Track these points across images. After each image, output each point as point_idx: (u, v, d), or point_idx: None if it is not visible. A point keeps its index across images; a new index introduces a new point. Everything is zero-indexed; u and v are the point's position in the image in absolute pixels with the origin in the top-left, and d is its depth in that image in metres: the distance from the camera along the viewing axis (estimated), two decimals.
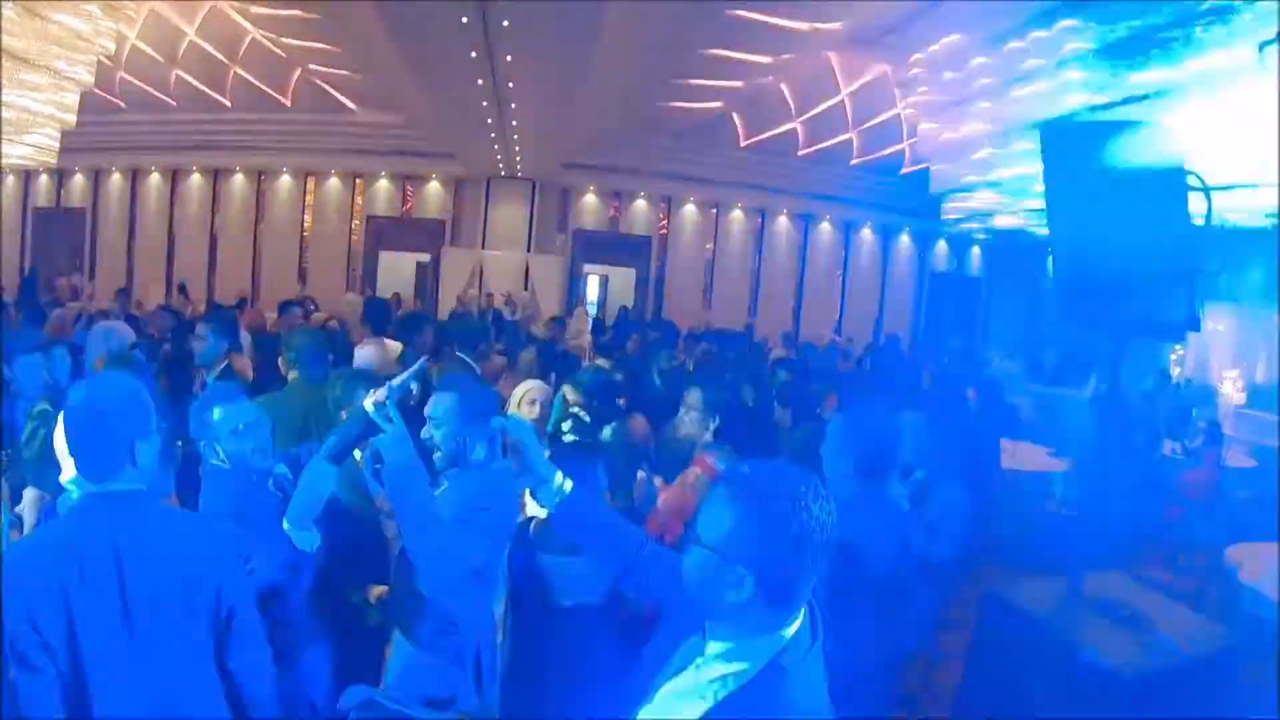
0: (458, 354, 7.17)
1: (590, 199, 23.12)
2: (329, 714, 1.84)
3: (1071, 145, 3.69)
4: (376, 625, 3.79)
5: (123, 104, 20.04)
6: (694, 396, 4.88)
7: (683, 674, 1.96)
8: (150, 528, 2.45)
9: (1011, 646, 3.87)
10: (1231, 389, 17.19)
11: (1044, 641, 3.65)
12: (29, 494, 4.58)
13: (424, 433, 3.34)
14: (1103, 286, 3.59)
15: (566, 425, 4.66)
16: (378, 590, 3.97)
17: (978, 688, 4.13)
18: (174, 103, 20.29)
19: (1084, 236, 3.53)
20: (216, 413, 3.49)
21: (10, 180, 23.44)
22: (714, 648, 1.92)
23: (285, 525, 3.13)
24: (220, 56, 18.41)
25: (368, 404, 3.16)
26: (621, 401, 5.58)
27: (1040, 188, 12.13)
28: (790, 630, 1.88)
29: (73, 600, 2.34)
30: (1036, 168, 12.26)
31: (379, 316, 8.78)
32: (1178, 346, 18.39)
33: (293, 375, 5.48)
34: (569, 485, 2.49)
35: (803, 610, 1.92)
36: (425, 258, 22.85)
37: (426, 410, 3.42)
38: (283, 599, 3.23)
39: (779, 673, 1.84)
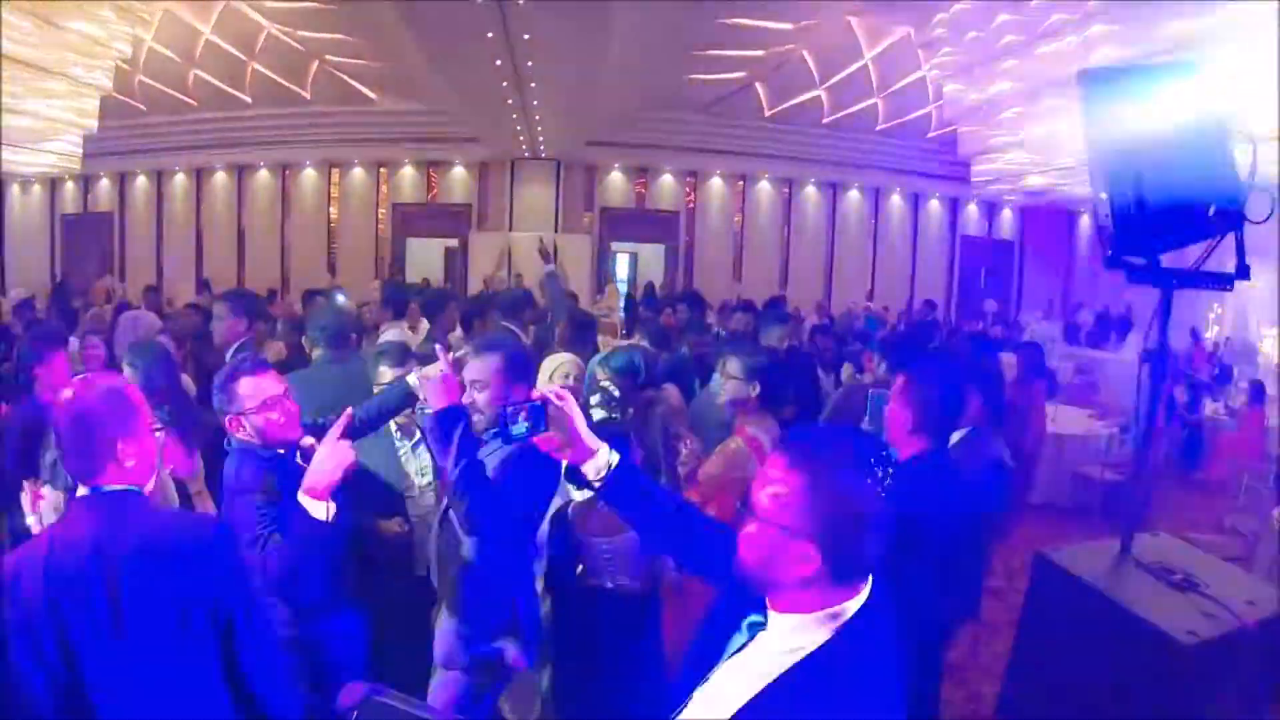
0: (503, 323, 7.23)
1: (616, 176, 22.97)
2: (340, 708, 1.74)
3: (1112, 92, 3.53)
4: (388, 562, 3.75)
5: (143, 107, 20.01)
6: (732, 364, 4.74)
7: (742, 652, 1.85)
8: (136, 530, 2.36)
9: (1064, 612, 3.76)
10: (1272, 347, 16.95)
11: (1097, 607, 3.53)
12: (47, 493, 4.52)
13: (465, 397, 3.28)
14: (1148, 238, 3.47)
15: (595, 399, 4.56)
16: (391, 524, 3.92)
17: (1030, 656, 4.01)
18: (194, 102, 20.20)
19: (1127, 187, 3.39)
20: (244, 385, 3.41)
21: (37, 189, 23.70)
22: (775, 624, 1.80)
23: (300, 495, 3.05)
24: (237, 53, 18.29)
25: (412, 378, 3.13)
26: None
27: (1072, 145, 11.96)
28: (856, 603, 1.76)
29: (62, 606, 2.28)
30: (1067, 125, 12.08)
31: (398, 298, 8.78)
32: (1216, 305, 18.18)
33: (317, 353, 5.55)
34: (615, 459, 2.39)
35: (869, 580, 1.79)
36: (453, 243, 22.86)
37: (466, 374, 3.35)
38: (306, 578, 3.15)
39: (844, 648, 1.71)
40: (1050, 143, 14.59)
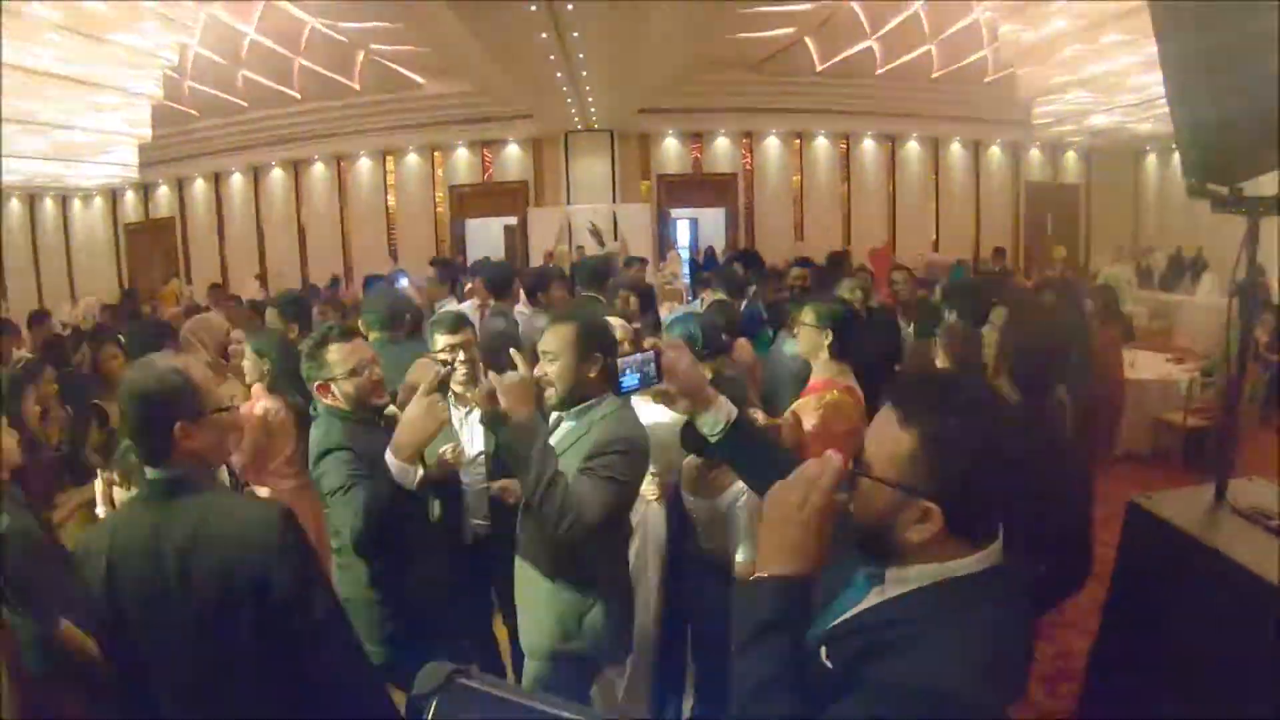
0: (584, 292, 7.43)
1: (671, 143, 22.81)
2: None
3: (1189, 16, 3.32)
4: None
5: (195, 111, 20.33)
6: (807, 313, 4.60)
7: (856, 607, 1.73)
8: (192, 517, 2.34)
9: (1159, 560, 3.60)
10: None
11: (1193, 553, 3.38)
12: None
13: (537, 369, 3.23)
14: (1230, 164, 3.28)
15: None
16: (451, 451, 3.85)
17: (1125, 605, 3.85)
18: (244, 103, 20.47)
19: (1206, 110, 3.20)
20: (333, 351, 3.51)
21: (98, 201, 24.17)
22: (892, 589, 1.68)
23: (387, 456, 3.12)
24: (283, 51, 18.48)
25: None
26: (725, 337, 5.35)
27: (1136, 80, 11.62)
28: (980, 561, 1.62)
29: (118, 590, 2.35)
30: (1129, 60, 11.75)
31: (448, 272, 8.77)
32: None
33: (373, 336, 5.67)
34: (734, 412, 2.28)
35: (997, 538, 1.65)
36: (512, 220, 22.87)
37: (540, 346, 3.30)
38: (384, 535, 3.18)
39: (967, 612, 1.57)
40: (1113, 79, 14.25)
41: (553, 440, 3.15)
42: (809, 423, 4.29)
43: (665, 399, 2.31)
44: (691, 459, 3.94)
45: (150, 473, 2.43)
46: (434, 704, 1.56)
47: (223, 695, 2.34)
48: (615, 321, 5.08)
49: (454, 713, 1.55)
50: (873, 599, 1.69)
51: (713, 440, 2.30)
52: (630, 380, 2.26)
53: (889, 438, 1.61)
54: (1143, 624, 3.61)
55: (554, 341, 3.24)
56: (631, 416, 3.24)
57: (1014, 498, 1.61)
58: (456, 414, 4.43)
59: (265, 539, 2.30)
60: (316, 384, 3.54)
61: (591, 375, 3.23)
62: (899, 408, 1.63)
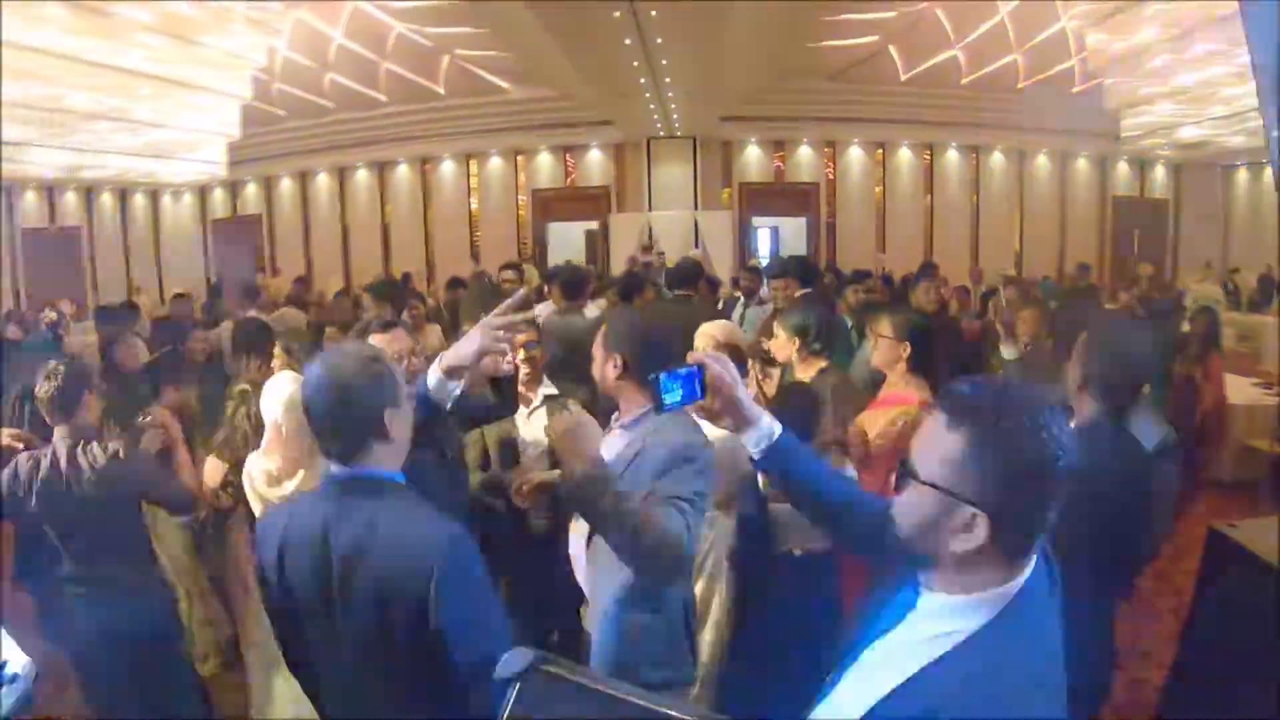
0: (676, 291, 7.55)
1: (753, 150, 22.80)
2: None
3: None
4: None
5: (283, 112, 20.70)
6: (883, 324, 4.51)
7: (893, 631, 1.69)
8: (364, 519, 2.30)
9: (1239, 590, 3.52)
10: None
11: (1276, 586, 3.30)
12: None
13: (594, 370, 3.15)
14: None
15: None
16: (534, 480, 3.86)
17: (1204, 635, 3.76)
18: (331, 104, 20.84)
19: None
20: (375, 340, 3.60)
21: (187, 197, 24.88)
22: (930, 602, 1.65)
23: (429, 370, 3.02)
24: (369, 54, 18.75)
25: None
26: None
27: (1226, 92, 11.38)
28: (1022, 578, 1.57)
29: (286, 577, 2.39)
30: (1220, 70, 11.51)
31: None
32: None
33: (466, 327, 5.74)
34: (777, 430, 2.22)
35: (1036, 554, 1.60)
36: (593, 225, 22.99)
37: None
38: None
39: (1007, 630, 1.53)
40: (1203, 90, 13.96)
41: (606, 454, 3.02)
42: (882, 439, 4.16)
43: (708, 415, 2.27)
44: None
45: (336, 468, 2.38)
46: (515, 689, 1.54)
47: (373, 700, 2.35)
48: (722, 324, 5.05)
49: (536, 701, 1.52)
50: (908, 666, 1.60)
51: (754, 458, 2.26)
52: (673, 397, 2.19)
53: (936, 440, 1.58)
54: (1220, 652, 3.53)
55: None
56: (685, 419, 3.11)
57: (1062, 512, 1.55)
58: (522, 412, 4.47)
59: (426, 565, 2.19)
60: None
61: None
62: (948, 409, 1.59)
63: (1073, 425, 2.20)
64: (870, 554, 2.23)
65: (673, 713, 1.48)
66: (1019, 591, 1.56)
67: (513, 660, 1.55)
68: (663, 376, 2.18)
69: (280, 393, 3.96)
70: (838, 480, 2.31)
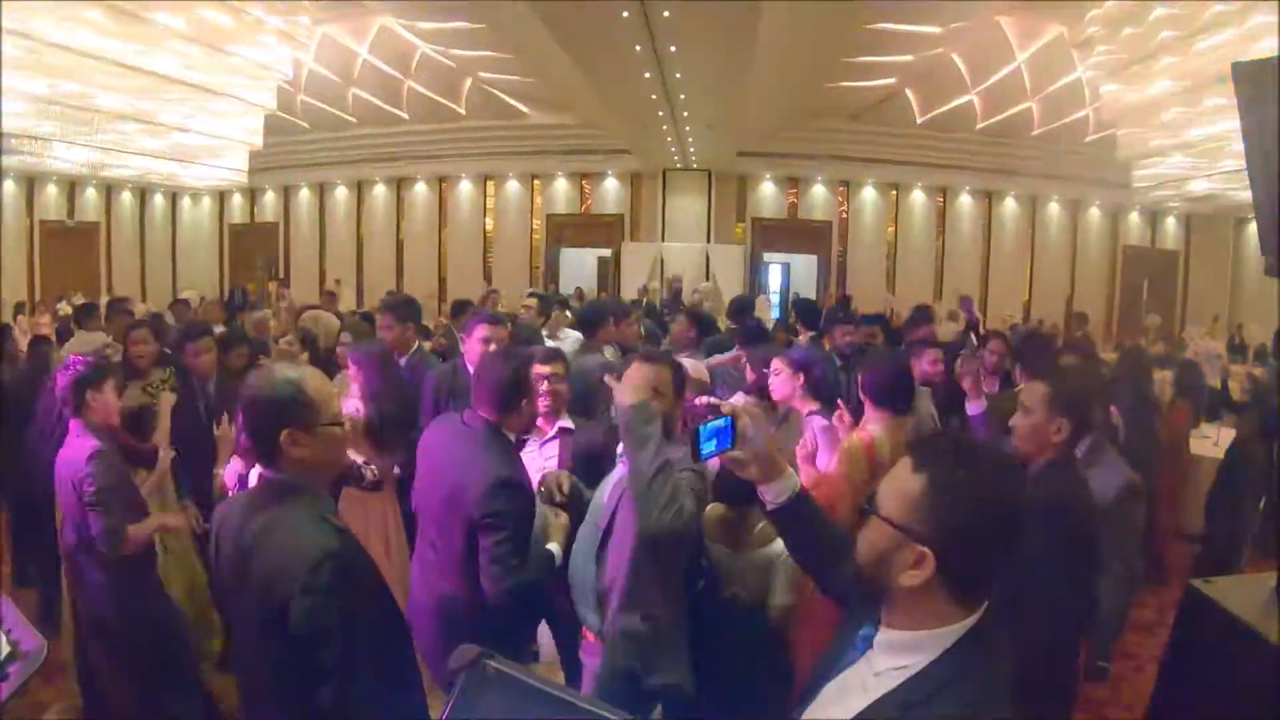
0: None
1: (767, 186, 22.96)
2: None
3: (1268, 85, 3.29)
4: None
5: (305, 124, 21.03)
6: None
7: (852, 667, 1.81)
8: (264, 523, 2.54)
9: (1213, 649, 3.59)
10: None
11: (1251, 645, 3.37)
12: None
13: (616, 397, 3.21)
14: None
15: None
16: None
17: (1176, 694, 3.83)
18: (354, 119, 21.12)
19: None
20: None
21: (207, 201, 25.15)
22: (885, 636, 1.75)
23: None
24: (394, 72, 18.99)
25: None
26: None
27: (1237, 147, 11.48)
28: (972, 619, 1.68)
29: (219, 562, 2.72)
30: (1230, 125, 11.63)
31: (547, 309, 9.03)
32: None
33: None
34: (797, 484, 2.32)
35: (987, 600, 1.72)
36: (606, 253, 23.16)
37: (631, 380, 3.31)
38: None
39: (952, 669, 1.64)
40: (1214, 144, 14.06)
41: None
42: (828, 467, 4.34)
43: (737, 465, 2.30)
44: (719, 509, 3.84)
45: (259, 470, 2.61)
46: (461, 679, 1.72)
47: (267, 688, 2.54)
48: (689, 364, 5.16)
49: (476, 691, 1.70)
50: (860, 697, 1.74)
51: (771, 509, 2.33)
52: (708, 447, 2.24)
53: (901, 480, 1.70)
54: (1191, 713, 3.59)
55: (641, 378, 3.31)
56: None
57: (1009, 559, 1.68)
58: (532, 444, 4.56)
59: (295, 571, 2.36)
60: None
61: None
62: (914, 455, 1.72)
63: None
64: (843, 597, 2.26)
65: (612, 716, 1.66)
66: (968, 631, 1.67)
67: (461, 654, 1.74)
68: (701, 429, 2.24)
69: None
70: (832, 532, 2.38)
